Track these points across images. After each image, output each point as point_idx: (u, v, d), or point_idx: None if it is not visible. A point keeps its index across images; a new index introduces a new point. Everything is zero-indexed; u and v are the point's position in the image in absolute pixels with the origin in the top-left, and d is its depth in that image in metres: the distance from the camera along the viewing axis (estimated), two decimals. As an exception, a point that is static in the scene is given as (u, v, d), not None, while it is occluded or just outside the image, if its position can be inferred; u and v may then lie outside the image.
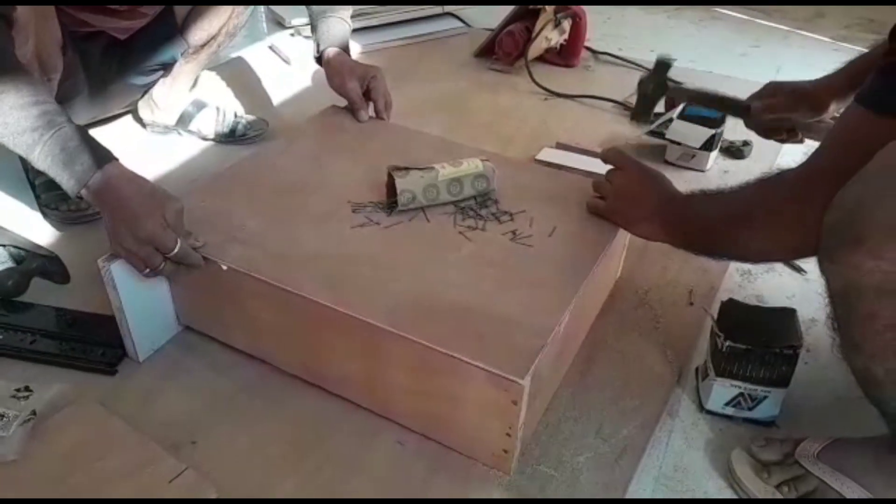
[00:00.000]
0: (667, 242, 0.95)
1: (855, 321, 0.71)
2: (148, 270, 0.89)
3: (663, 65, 1.22)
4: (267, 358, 0.98)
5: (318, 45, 1.32)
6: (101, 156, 0.89)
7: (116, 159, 0.90)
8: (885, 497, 0.77)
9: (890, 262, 0.64)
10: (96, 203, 0.89)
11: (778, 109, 1.14)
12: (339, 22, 1.31)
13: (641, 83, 1.23)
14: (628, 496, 0.83)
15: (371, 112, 1.28)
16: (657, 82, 1.22)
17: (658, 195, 0.96)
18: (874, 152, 0.68)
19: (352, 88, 1.26)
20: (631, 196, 0.97)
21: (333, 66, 1.30)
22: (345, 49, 1.32)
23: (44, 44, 1.10)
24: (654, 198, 0.96)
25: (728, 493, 0.85)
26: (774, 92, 1.19)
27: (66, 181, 0.87)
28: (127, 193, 0.87)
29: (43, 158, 0.87)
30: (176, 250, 0.87)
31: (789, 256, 1.03)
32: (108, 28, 1.31)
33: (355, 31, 2.08)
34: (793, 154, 1.53)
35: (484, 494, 0.82)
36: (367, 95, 1.28)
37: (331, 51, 1.31)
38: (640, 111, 1.49)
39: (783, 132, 1.22)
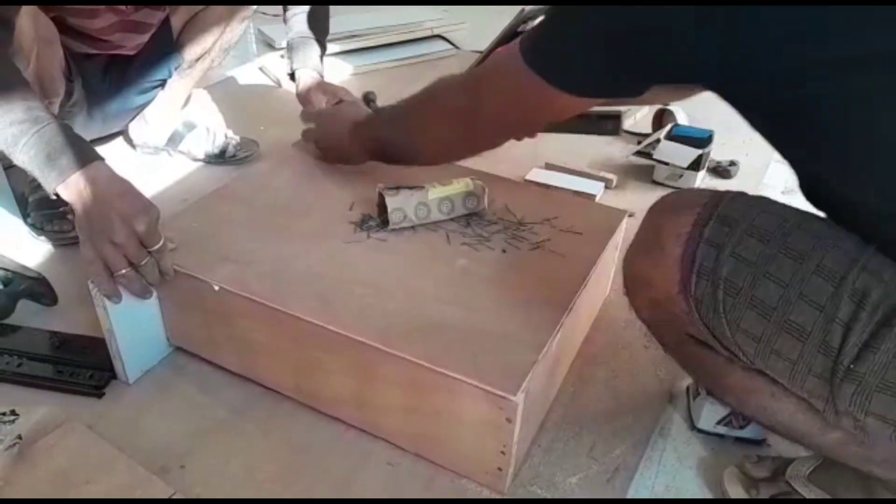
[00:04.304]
0: (372, 159, 1.06)
1: (666, 350, 0.86)
2: (126, 270, 0.87)
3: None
4: (259, 379, 0.97)
5: (291, 63, 1.39)
6: (87, 154, 0.88)
7: (102, 159, 0.89)
8: None
9: (640, 306, 0.81)
10: (74, 201, 0.87)
11: None
12: (315, 45, 1.39)
13: None
14: (622, 516, 0.83)
15: None
16: None
17: (351, 121, 1.08)
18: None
19: (318, 101, 1.32)
20: (330, 132, 1.13)
21: (304, 82, 1.37)
22: (319, 72, 1.39)
23: (45, 69, 1.10)
24: (347, 124, 1.08)
25: (721, 512, 0.84)
26: None
27: (46, 175, 0.86)
28: (106, 195, 0.86)
29: (26, 151, 0.85)
30: (145, 261, 0.87)
31: (458, 152, 0.99)
32: (121, 45, 1.32)
33: (347, 52, 2.11)
34: (779, 172, 1.56)
35: (477, 515, 0.82)
36: None
37: (304, 71, 1.38)
38: None
39: None
